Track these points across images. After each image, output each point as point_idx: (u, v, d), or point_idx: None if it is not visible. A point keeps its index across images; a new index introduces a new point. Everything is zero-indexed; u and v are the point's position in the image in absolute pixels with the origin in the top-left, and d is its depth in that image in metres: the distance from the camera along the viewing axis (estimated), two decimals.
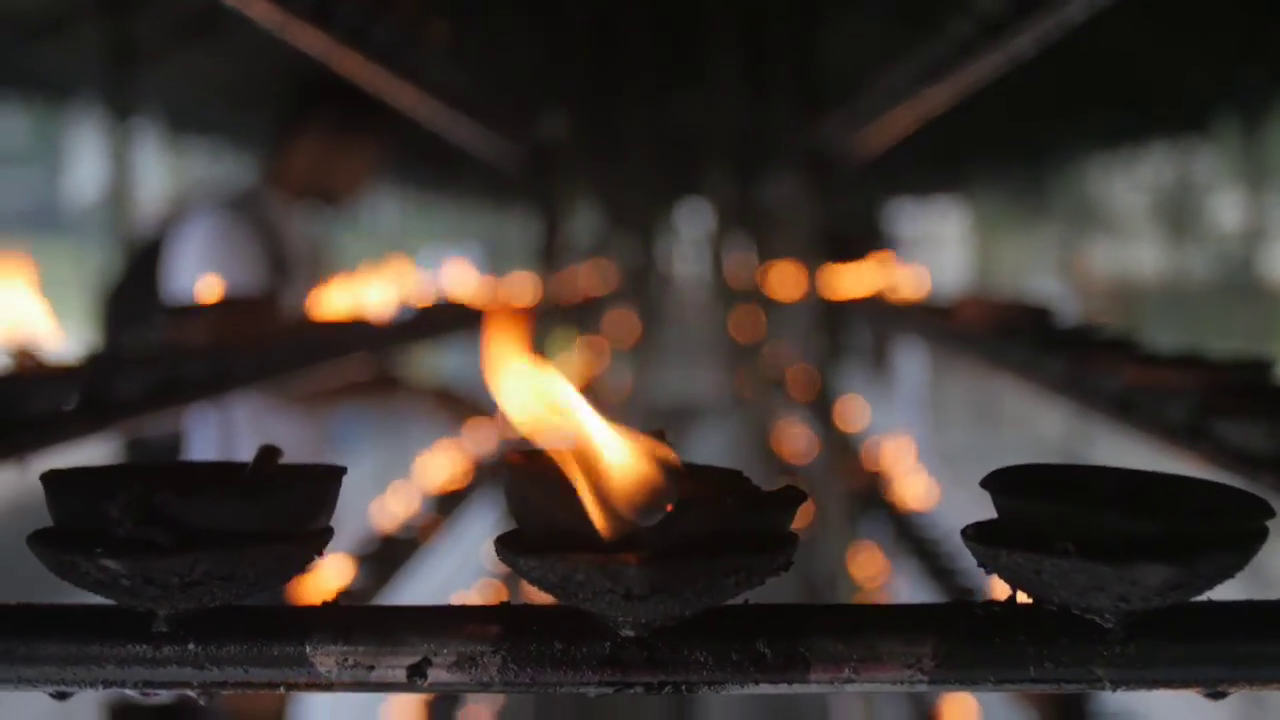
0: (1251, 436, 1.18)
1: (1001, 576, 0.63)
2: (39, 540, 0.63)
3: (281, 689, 0.64)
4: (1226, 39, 5.30)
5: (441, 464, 3.46)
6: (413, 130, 3.59)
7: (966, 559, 3.05)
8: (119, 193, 5.38)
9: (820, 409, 4.29)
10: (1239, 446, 1.20)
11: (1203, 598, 0.62)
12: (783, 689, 0.63)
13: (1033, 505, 0.63)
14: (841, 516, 3.93)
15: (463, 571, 4.46)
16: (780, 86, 5.15)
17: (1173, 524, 0.60)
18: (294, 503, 0.65)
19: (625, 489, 0.61)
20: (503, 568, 3.67)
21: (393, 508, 3.04)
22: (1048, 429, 7.79)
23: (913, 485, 3.82)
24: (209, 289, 1.97)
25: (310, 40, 1.87)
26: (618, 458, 0.62)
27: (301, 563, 0.65)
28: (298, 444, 3.09)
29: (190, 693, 0.65)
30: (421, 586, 2.90)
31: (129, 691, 0.65)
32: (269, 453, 0.70)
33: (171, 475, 0.69)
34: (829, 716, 4.01)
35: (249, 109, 6.19)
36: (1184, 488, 0.66)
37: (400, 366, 3.53)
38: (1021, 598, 0.64)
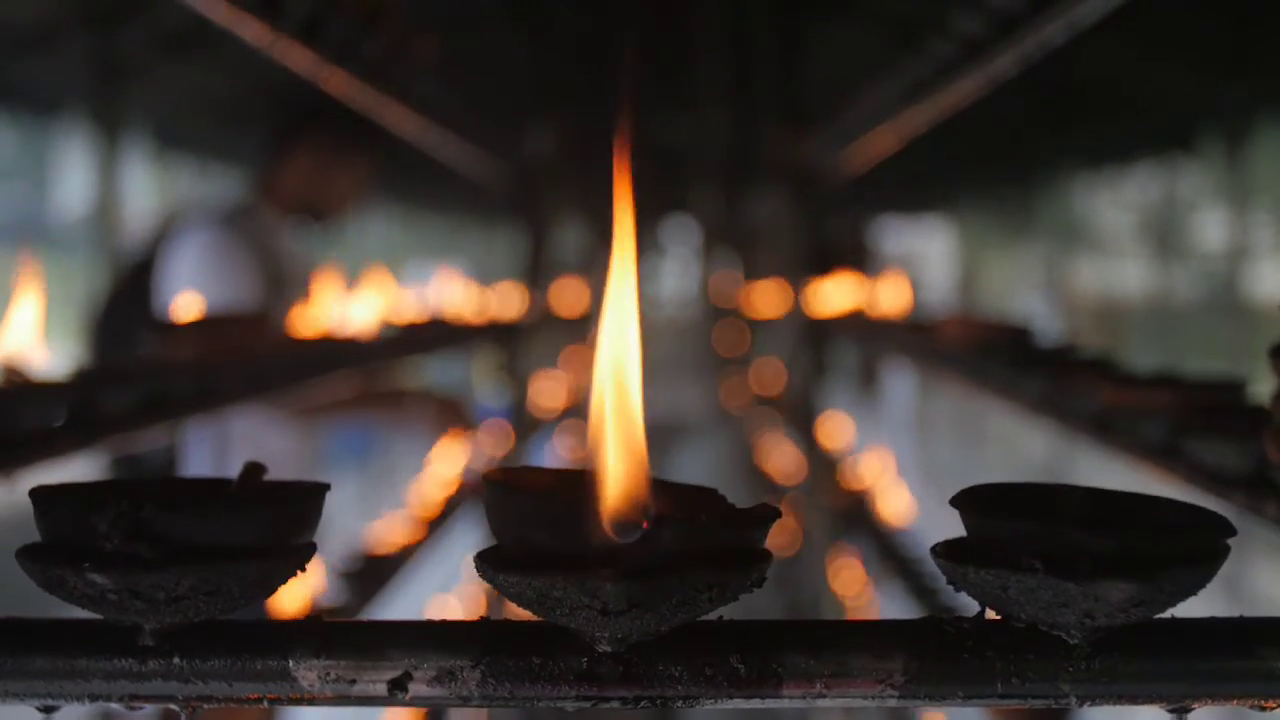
0: (1225, 456, 1.19)
1: (970, 593, 0.65)
2: (27, 555, 0.64)
3: (264, 703, 0.66)
4: (1210, 57, 5.33)
5: (429, 480, 3.47)
6: (400, 146, 3.61)
7: None
8: (106, 207, 5.38)
9: (805, 426, 4.30)
10: (1212, 465, 1.22)
11: (1166, 615, 0.63)
12: (755, 704, 0.64)
13: (1000, 523, 0.64)
14: (825, 534, 3.94)
15: (447, 586, 4.47)
16: (765, 105, 5.17)
17: (1136, 542, 0.61)
18: (278, 518, 0.66)
19: (606, 504, 0.62)
20: (485, 584, 3.68)
21: (380, 524, 3.05)
22: (1032, 448, 7.81)
23: (896, 504, 3.83)
24: (198, 304, 1.99)
25: (299, 58, 1.88)
26: (610, 469, 0.64)
27: (285, 578, 0.66)
28: (291, 459, 3.10)
29: (174, 707, 0.66)
30: (406, 601, 2.90)
31: (115, 705, 0.66)
32: (254, 469, 0.71)
33: (158, 491, 0.70)
34: None
35: (236, 124, 6.20)
36: (1150, 506, 0.68)
37: (402, 379, 3.55)
38: (990, 614, 0.65)
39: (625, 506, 0.62)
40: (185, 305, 1.99)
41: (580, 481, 0.69)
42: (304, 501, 0.68)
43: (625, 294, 0.69)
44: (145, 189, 6.84)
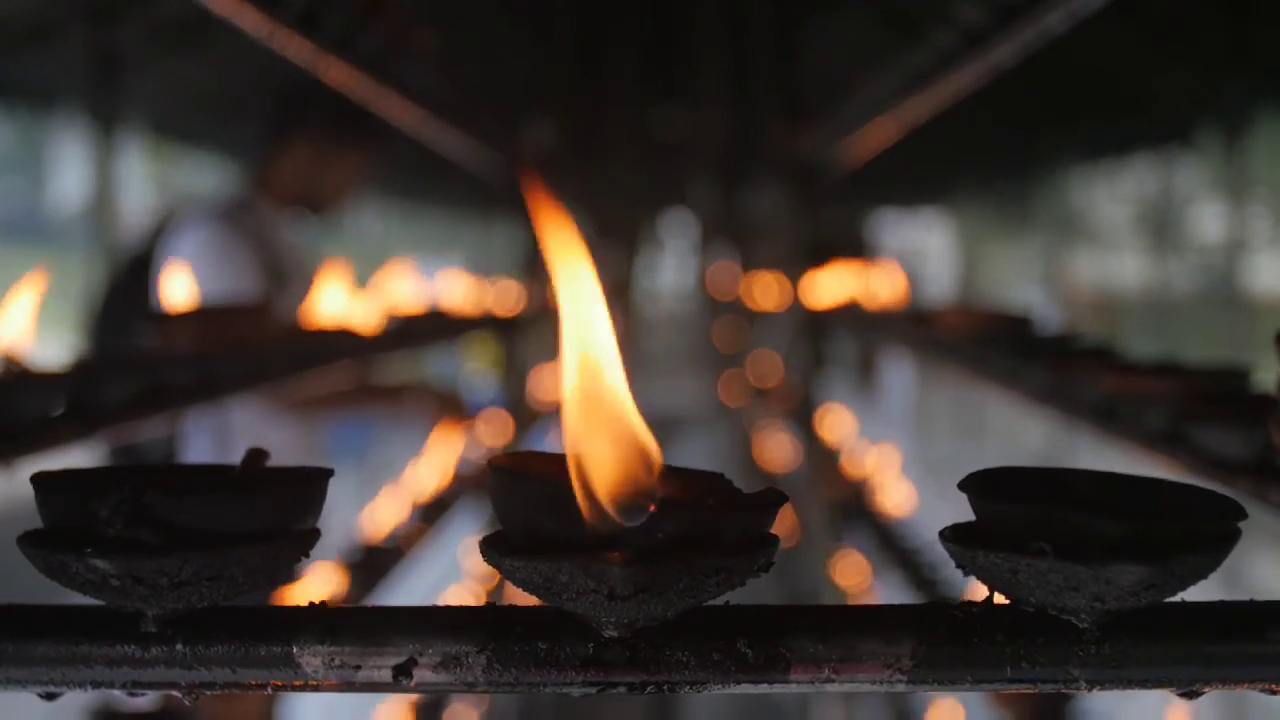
0: (1229, 443, 1.19)
1: (979, 577, 0.64)
2: (29, 541, 0.64)
3: (268, 689, 0.65)
4: (1209, 50, 5.32)
5: (428, 471, 3.46)
6: (398, 139, 3.60)
7: (948, 568, 3.04)
8: (103, 202, 5.38)
9: (803, 419, 4.30)
10: (1217, 453, 1.21)
11: (1176, 599, 0.63)
12: (764, 689, 0.64)
13: (1009, 507, 0.64)
14: (824, 526, 3.94)
15: (447, 579, 4.46)
16: (764, 97, 5.17)
17: (1147, 525, 0.61)
18: (282, 503, 0.66)
19: (611, 487, 0.62)
20: (485, 574, 3.66)
21: (379, 515, 3.04)
22: (1030, 440, 7.81)
23: (896, 495, 3.83)
24: (197, 296, 1.98)
25: (297, 48, 1.88)
26: (608, 453, 0.63)
27: (289, 563, 0.66)
28: (290, 453, 3.10)
29: (177, 693, 0.66)
30: (407, 594, 2.90)
31: (117, 692, 0.66)
32: (256, 455, 0.71)
33: (160, 476, 0.70)
34: (809, 718, 4.01)
35: (234, 118, 6.18)
36: (1159, 490, 0.68)
37: (400, 373, 3.56)
38: (999, 599, 0.65)
39: (627, 490, 0.62)
40: (184, 296, 1.98)
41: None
42: (307, 487, 0.68)
43: (584, 285, 0.68)
44: (142, 183, 6.83)
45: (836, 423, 4.67)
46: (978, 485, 0.67)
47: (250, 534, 0.64)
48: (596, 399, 0.65)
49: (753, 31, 5.30)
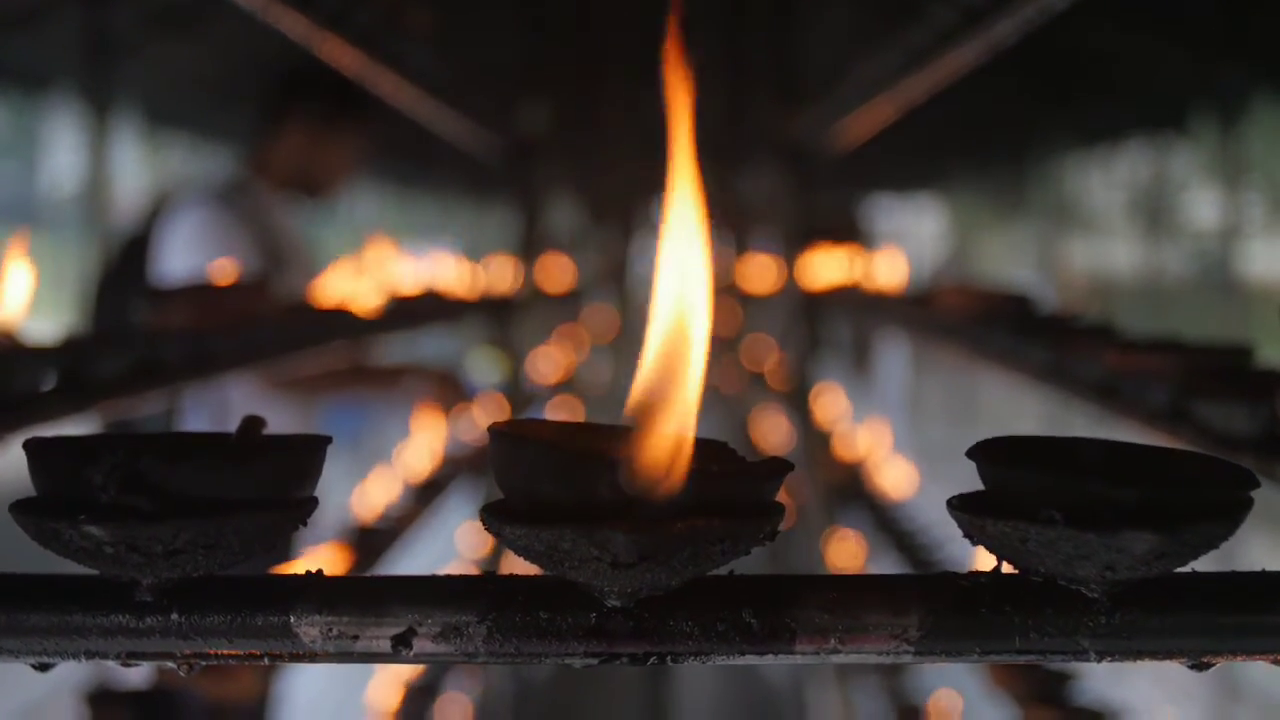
0: (1234, 419, 1.18)
1: (987, 547, 0.63)
2: (21, 508, 0.62)
3: (265, 660, 0.64)
4: (1205, 36, 5.32)
5: (423, 452, 3.45)
6: (392, 121, 3.59)
7: (944, 551, 3.03)
8: (96, 185, 5.37)
9: (799, 401, 4.29)
10: (1221, 429, 1.20)
11: (1186, 569, 0.62)
12: (769, 660, 0.63)
13: (1019, 475, 0.63)
14: (820, 508, 3.93)
15: (442, 561, 4.46)
16: (759, 79, 5.15)
17: (1159, 493, 0.60)
18: (279, 471, 0.65)
19: (635, 455, 0.60)
20: (479, 556, 3.65)
21: (373, 496, 3.04)
22: (1025, 423, 7.81)
23: (891, 477, 3.82)
24: (194, 275, 1.97)
25: (292, 24, 1.87)
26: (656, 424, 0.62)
27: (286, 532, 0.65)
28: (288, 430, 3.09)
29: (172, 666, 0.65)
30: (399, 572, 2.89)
31: (112, 665, 0.65)
32: (253, 423, 0.70)
33: (156, 443, 0.68)
34: (804, 701, 4.01)
35: (227, 102, 6.17)
36: (1169, 459, 0.67)
37: (396, 355, 3.55)
38: (1007, 568, 0.64)
39: (655, 461, 0.60)
40: (180, 276, 1.97)
41: (590, 434, 0.67)
42: (305, 454, 0.67)
43: (690, 246, 0.68)
44: (136, 167, 6.82)
45: (831, 405, 4.66)
46: (986, 453, 0.66)
47: (247, 501, 0.62)
48: (676, 363, 0.65)
49: (748, 12, 5.29)
